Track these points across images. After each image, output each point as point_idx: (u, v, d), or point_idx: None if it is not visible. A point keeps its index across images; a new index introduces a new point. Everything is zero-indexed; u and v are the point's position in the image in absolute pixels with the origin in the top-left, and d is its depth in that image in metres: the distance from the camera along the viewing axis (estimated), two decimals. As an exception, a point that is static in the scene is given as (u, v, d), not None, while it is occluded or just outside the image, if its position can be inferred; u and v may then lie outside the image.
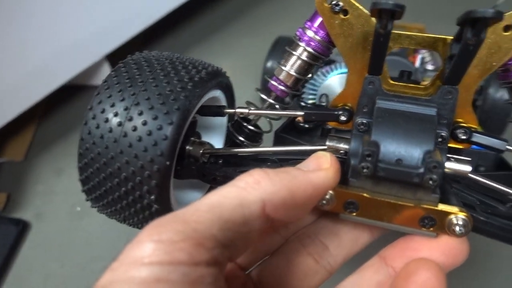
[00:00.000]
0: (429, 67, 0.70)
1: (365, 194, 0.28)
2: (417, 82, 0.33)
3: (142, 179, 0.32)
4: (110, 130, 0.32)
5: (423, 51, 0.79)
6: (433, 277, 0.23)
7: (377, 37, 0.28)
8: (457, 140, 0.32)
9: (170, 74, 0.33)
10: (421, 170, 0.27)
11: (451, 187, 0.33)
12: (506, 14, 0.30)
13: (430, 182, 0.26)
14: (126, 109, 0.32)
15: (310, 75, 0.38)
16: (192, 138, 0.38)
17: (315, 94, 0.58)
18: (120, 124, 0.32)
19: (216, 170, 0.36)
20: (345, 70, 0.63)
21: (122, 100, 0.32)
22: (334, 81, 0.57)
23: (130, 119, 0.31)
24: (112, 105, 0.32)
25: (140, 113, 0.31)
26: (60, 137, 0.99)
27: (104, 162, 0.32)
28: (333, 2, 0.32)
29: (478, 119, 0.57)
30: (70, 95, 1.05)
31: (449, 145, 0.32)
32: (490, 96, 0.76)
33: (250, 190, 0.23)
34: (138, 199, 0.33)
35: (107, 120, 0.32)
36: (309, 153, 0.36)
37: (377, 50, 0.29)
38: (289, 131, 0.47)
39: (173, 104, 0.31)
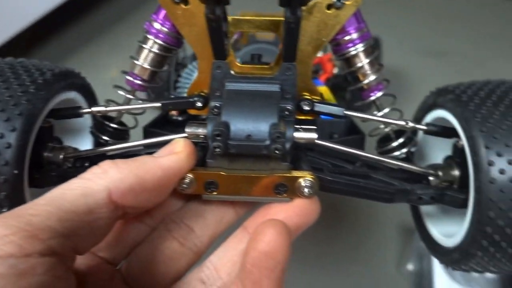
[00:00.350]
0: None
1: (221, 172, 0.30)
2: (265, 63, 0.36)
3: None
4: None
5: None
6: (278, 234, 0.25)
7: (209, 23, 0.29)
8: (302, 111, 0.35)
9: (9, 79, 0.31)
10: (268, 142, 0.29)
11: (306, 155, 0.37)
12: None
13: (276, 152, 0.29)
14: (-39, 120, 0.29)
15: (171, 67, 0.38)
16: (50, 144, 0.36)
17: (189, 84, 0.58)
18: (-43, 137, 0.29)
19: (79, 173, 0.35)
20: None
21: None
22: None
23: (-33, 130, 0.29)
24: None
25: (-22, 123, 0.29)
26: None
27: None
28: (173, -7, 0.33)
29: (350, 93, 0.62)
30: None
31: (299, 117, 0.36)
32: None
33: (95, 180, 0.24)
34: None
35: None
36: (164, 143, 0.37)
37: (214, 36, 0.31)
38: (162, 126, 0.47)
39: (13, 109, 0.30)
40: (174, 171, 0.26)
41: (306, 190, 0.29)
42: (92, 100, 0.40)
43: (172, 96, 0.58)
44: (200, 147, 0.35)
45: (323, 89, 0.57)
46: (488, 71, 1.01)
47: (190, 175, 0.30)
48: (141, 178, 0.24)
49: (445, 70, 1.02)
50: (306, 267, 0.66)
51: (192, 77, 0.60)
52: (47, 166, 0.35)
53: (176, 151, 0.27)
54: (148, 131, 0.43)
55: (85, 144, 0.41)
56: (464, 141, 0.31)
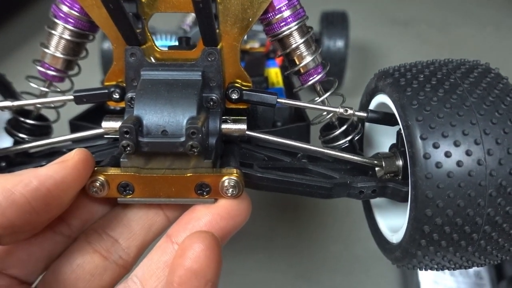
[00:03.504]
0: (258, 28, 0.70)
1: (135, 173, 0.27)
2: (191, 47, 0.32)
3: None
4: None
5: None
6: (207, 248, 0.23)
7: (105, 4, 0.25)
8: (232, 100, 0.32)
9: None
10: (183, 138, 0.26)
11: (240, 148, 0.34)
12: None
13: (193, 149, 0.26)
14: None
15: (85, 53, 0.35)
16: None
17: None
18: None
19: None
20: (166, 42, 0.61)
21: None
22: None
23: None
24: None
25: None
26: None
27: None
28: (76, -30, 0.29)
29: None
30: None
31: (231, 106, 0.32)
32: (328, 47, 0.80)
33: None
34: None
35: None
36: (94, 137, 0.34)
37: (115, 18, 0.27)
38: (96, 117, 0.44)
39: None
40: (55, 181, 0.23)
41: (230, 190, 0.27)
42: (7, 93, 0.37)
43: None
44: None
45: (274, 71, 0.53)
46: (454, 37, 0.99)
47: (101, 177, 0.27)
48: (8, 190, 0.21)
49: (413, 39, 0.99)
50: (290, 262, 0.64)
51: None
52: None
53: (64, 160, 0.24)
54: (75, 125, 0.40)
55: (5, 139, 0.38)
56: (402, 130, 0.28)
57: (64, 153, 0.35)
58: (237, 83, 0.32)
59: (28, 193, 0.22)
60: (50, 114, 0.38)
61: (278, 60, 0.61)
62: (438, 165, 0.26)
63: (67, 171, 0.23)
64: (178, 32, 0.76)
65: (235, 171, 0.27)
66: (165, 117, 0.27)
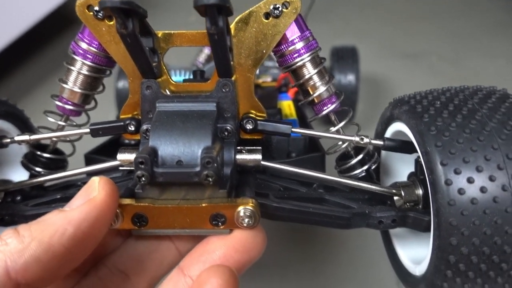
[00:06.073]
0: (269, 63, 0.71)
1: (149, 204, 0.27)
2: (205, 79, 0.33)
3: None
4: None
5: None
6: (224, 283, 0.22)
7: (123, 39, 0.26)
8: (245, 130, 0.32)
9: None
10: (198, 168, 0.26)
11: (255, 179, 0.33)
12: (261, 2, 0.31)
13: (208, 179, 0.25)
14: None
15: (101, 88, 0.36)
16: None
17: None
18: None
19: (2, 209, 0.32)
20: (183, 78, 0.62)
21: None
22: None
23: None
24: None
25: None
26: None
27: None
28: (95, 9, 0.30)
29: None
30: None
31: (246, 137, 0.32)
32: (340, 81, 0.81)
33: None
34: None
35: None
36: (108, 170, 0.34)
37: (133, 53, 0.28)
38: (111, 151, 0.44)
39: None
40: (90, 223, 0.22)
41: (246, 220, 0.26)
42: (25, 128, 0.37)
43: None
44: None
45: (287, 103, 0.54)
46: (465, 69, 0.99)
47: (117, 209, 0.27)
48: (47, 244, 0.21)
49: (424, 72, 1.00)
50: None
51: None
52: None
53: (91, 196, 0.23)
54: (90, 158, 0.40)
55: (22, 173, 0.38)
56: (420, 157, 0.28)
57: (79, 186, 0.35)
58: (252, 113, 0.32)
59: (66, 242, 0.21)
60: (66, 148, 0.38)
61: (291, 93, 0.62)
62: (460, 191, 0.25)
63: (98, 209, 0.23)
64: (191, 69, 0.78)
65: (250, 201, 0.27)
66: (180, 147, 0.27)
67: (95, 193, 0.24)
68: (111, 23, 0.30)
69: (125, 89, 0.81)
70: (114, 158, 0.41)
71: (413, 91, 0.33)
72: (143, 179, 0.25)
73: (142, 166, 0.25)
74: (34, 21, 0.95)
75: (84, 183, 0.34)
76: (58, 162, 0.36)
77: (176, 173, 0.26)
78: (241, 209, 0.26)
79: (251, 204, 0.26)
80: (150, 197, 0.27)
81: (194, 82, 0.33)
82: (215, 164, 0.25)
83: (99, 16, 0.30)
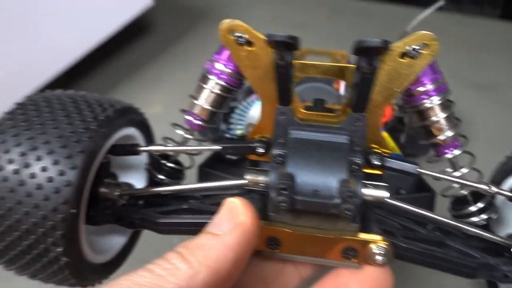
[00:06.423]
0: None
1: (286, 229, 0.28)
2: (330, 110, 0.34)
3: (46, 231, 0.29)
4: (5, 179, 0.29)
5: None
6: None
7: (278, 69, 0.28)
8: (372, 166, 0.32)
9: (72, 114, 0.31)
10: (337, 200, 0.27)
11: (373, 213, 0.34)
12: (400, 42, 0.31)
13: (347, 212, 0.26)
14: (22, 155, 0.29)
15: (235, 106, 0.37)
16: (107, 180, 0.35)
17: (243, 125, 0.57)
18: (16, 172, 0.29)
19: (134, 213, 0.34)
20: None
21: (18, 145, 0.29)
22: (259, 110, 0.57)
23: (27, 166, 0.29)
24: (6, 152, 0.29)
25: (39, 159, 0.29)
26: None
27: (1, 215, 0.29)
28: (237, 34, 0.32)
29: (406, 135, 0.58)
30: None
31: (366, 171, 0.33)
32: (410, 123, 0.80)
33: (167, 277, 0.22)
34: (43, 252, 0.30)
35: (1, 168, 0.29)
36: (230, 187, 0.36)
37: (281, 81, 0.29)
38: (216, 164, 0.46)
39: (75, 146, 0.29)
40: (245, 249, 0.24)
41: (379, 257, 0.27)
42: (148, 136, 0.40)
43: (229, 136, 0.57)
44: (261, 196, 0.33)
45: (384, 135, 0.54)
46: None
47: None
48: (213, 269, 0.22)
49: (500, 105, 0.95)
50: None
51: (246, 114, 0.59)
52: (103, 202, 0.35)
53: (239, 221, 0.25)
54: (203, 171, 0.42)
55: (137, 181, 0.41)
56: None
57: (197, 198, 0.36)
58: (377, 149, 0.33)
59: (229, 266, 0.23)
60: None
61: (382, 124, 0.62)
62: None
63: (249, 234, 0.24)
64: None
65: (383, 238, 0.27)
66: (317, 177, 0.28)
67: (242, 217, 0.25)
68: (251, 49, 0.32)
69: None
70: (219, 171, 0.43)
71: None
72: (283, 204, 0.26)
73: (284, 192, 0.26)
74: (114, 29, 1.01)
75: (205, 196, 0.36)
76: (179, 172, 0.39)
77: (315, 202, 0.27)
78: (374, 245, 0.27)
79: (384, 242, 0.27)
80: (284, 221, 0.28)
81: (318, 112, 0.34)
82: (356, 199, 0.26)
83: (240, 42, 0.32)
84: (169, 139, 0.38)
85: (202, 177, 0.41)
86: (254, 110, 0.56)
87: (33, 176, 0.29)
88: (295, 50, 0.27)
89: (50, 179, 0.29)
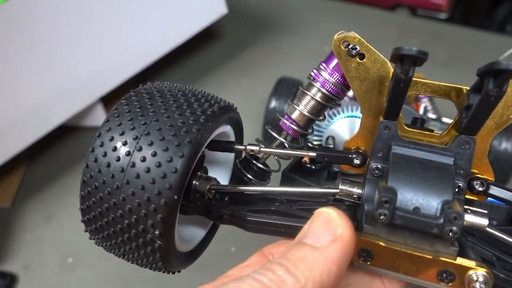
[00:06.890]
0: (431, 115, 0.71)
1: (381, 243, 0.27)
2: (430, 130, 0.33)
3: (147, 212, 0.30)
4: (118, 159, 0.31)
5: (425, 99, 0.81)
6: None
7: (397, 83, 0.27)
8: (473, 191, 0.31)
9: (182, 106, 0.33)
10: (441, 220, 0.26)
11: (466, 240, 0.33)
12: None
13: (450, 233, 0.25)
14: (135, 138, 0.31)
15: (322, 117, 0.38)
16: (199, 173, 0.37)
17: (320, 136, 0.57)
18: (128, 153, 0.31)
19: (223, 208, 0.35)
20: (352, 113, 0.64)
21: (132, 129, 0.31)
22: (341, 124, 0.56)
23: (140, 149, 0.30)
24: (122, 134, 0.31)
25: (150, 144, 0.31)
26: (49, 181, 0.93)
27: (108, 192, 0.31)
28: (350, 46, 0.32)
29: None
30: (61, 136, 1.00)
31: (467, 197, 0.32)
32: (494, 148, 0.77)
33: None
34: (141, 233, 0.31)
35: (115, 149, 0.31)
36: (318, 195, 0.36)
37: (395, 96, 0.29)
38: (295, 172, 0.46)
39: (185, 136, 0.31)
40: (345, 262, 0.24)
41: (478, 285, 0.25)
42: (239, 136, 0.41)
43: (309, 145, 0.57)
44: (347, 207, 0.33)
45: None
46: None
47: None
48: (319, 283, 0.22)
49: None
50: None
51: (327, 126, 0.58)
52: (192, 194, 0.36)
53: (338, 234, 0.25)
54: (286, 176, 0.42)
55: (221, 177, 0.42)
56: None
57: (279, 200, 0.37)
58: (481, 174, 0.31)
59: (332, 280, 0.23)
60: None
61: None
62: None
63: (349, 247, 0.24)
64: (349, 104, 0.78)
65: (484, 266, 0.26)
66: (419, 195, 0.28)
67: (340, 230, 0.25)
68: (362, 61, 0.32)
69: (275, 110, 0.85)
70: (300, 177, 0.43)
71: None
72: (384, 218, 0.26)
73: (386, 205, 0.26)
74: (189, 35, 1.05)
75: (289, 200, 0.36)
76: (266, 174, 0.39)
77: (416, 219, 0.26)
78: (473, 272, 0.26)
79: (485, 269, 0.26)
80: (377, 235, 0.28)
81: (422, 131, 0.33)
82: (461, 222, 0.25)
83: (352, 53, 0.32)
84: (260, 141, 0.39)
85: (284, 182, 0.42)
86: (336, 124, 0.56)
87: (143, 159, 0.30)
88: (421, 65, 0.26)
89: (158, 164, 0.30)
